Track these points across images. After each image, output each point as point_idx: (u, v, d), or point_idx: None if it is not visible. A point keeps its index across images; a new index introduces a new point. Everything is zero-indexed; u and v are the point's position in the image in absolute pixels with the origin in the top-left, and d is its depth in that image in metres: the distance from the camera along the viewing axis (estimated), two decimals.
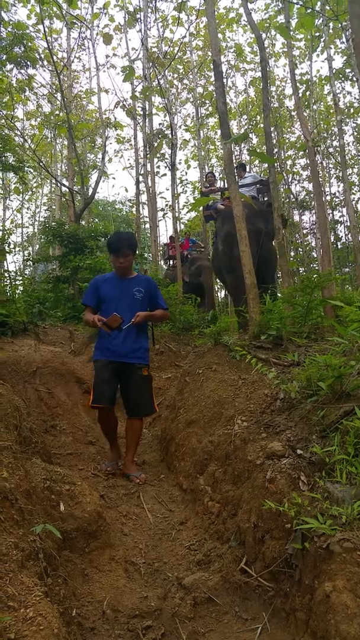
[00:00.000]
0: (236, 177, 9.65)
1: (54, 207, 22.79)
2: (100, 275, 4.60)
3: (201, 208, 10.23)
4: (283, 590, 2.24)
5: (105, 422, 4.20)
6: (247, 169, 10.50)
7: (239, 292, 7.57)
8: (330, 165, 23.09)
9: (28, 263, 16.75)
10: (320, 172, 20.77)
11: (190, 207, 20.85)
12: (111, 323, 3.97)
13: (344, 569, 1.84)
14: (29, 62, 11.98)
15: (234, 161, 7.26)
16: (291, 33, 9.03)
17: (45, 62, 14.06)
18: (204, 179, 12.32)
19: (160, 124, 15.58)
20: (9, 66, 12.13)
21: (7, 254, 9.99)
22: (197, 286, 11.70)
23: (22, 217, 27.05)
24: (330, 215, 22.93)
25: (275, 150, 17.24)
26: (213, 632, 2.27)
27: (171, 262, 13.30)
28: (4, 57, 10.85)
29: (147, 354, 4.32)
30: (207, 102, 17.88)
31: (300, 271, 20.76)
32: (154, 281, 4.62)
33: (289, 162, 21.49)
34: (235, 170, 5.43)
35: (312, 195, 20.14)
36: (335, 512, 2.06)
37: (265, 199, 8.91)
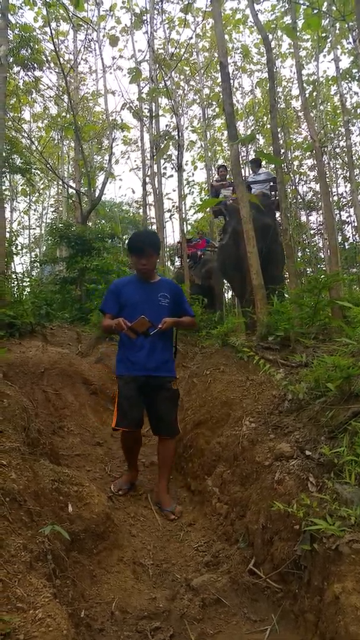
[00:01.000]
0: (250, 172, 9.69)
1: (60, 208, 22.86)
2: (119, 279, 4.16)
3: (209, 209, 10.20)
4: (292, 592, 2.24)
5: (129, 444, 3.82)
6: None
7: (243, 291, 7.55)
8: (337, 166, 23.02)
9: (35, 264, 16.79)
10: (327, 172, 20.71)
11: (197, 208, 20.86)
12: (138, 327, 3.45)
13: (353, 570, 1.83)
14: (35, 64, 12.05)
15: (242, 162, 7.26)
16: (298, 34, 9.02)
17: (52, 64, 14.13)
18: (217, 172, 12.23)
19: (166, 125, 15.65)
20: (15, 68, 12.18)
21: (15, 256, 10.03)
22: (208, 289, 11.61)
23: (29, 219, 27.22)
24: (338, 215, 22.86)
25: (282, 151, 17.23)
26: (222, 634, 2.26)
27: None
28: (11, 59, 10.89)
29: (174, 365, 3.94)
30: (213, 103, 17.92)
31: (308, 272, 20.71)
32: (178, 286, 4.23)
33: (296, 163, 21.48)
34: (239, 172, 5.40)
35: (319, 195, 20.10)
36: (344, 513, 2.05)
37: (277, 197, 8.87)
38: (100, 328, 3.97)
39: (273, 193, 9.05)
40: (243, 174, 6.21)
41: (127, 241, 3.87)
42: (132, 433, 3.69)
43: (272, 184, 9.05)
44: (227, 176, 10.65)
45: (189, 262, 12.50)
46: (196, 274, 11.78)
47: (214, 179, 12.36)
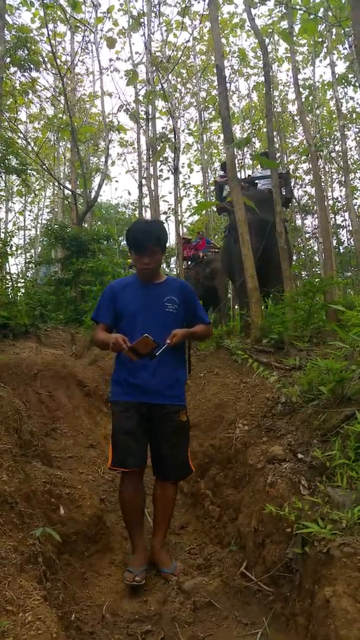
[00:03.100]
0: (258, 168, 9.69)
1: (56, 209, 22.82)
2: (116, 281, 3.34)
3: (209, 208, 10.19)
4: (283, 595, 2.23)
5: (129, 493, 2.98)
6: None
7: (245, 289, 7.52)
8: (333, 170, 23.06)
9: (30, 265, 16.76)
10: (323, 176, 20.76)
11: (193, 211, 20.88)
12: (141, 348, 2.74)
13: (344, 574, 1.83)
14: (32, 65, 11.99)
15: (237, 165, 7.27)
16: (294, 38, 9.05)
17: (49, 65, 14.11)
18: (221, 167, 12.21)
19: (163, 127, 15.64)
20: (12, 69, 12.15)
21: (10, 257, 10.01)
22: (211, 290, 11.50)
23: (24, 220, 27.09)
24: (333, 219, 22.91)
25: (278, 154, 17.27)
26: (213, 637, 2.25)
27: (186, 263, 12.91)
28: (8, 59, 10.87)
29: (184, 389, 3.15)
30: (210, 106, 17.94)
31: (303, 275, 20.76)
32: (190, 286, 3.40)
33: (292, 167, 21.50)
34: (235, 175, 5.40)
35: (314, 199, 20.14)
36: (335, 517, 2.05)
37: (284, 193, 8.82)
38: (93, 340, 3.24)
39: (282, 189, 8.99)
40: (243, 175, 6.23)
41: (126, 234, 3.11)
42: (133, 475, 2.96)
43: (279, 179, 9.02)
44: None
45: (191, 264, 12.46)
46: (199, 273, 11.69)
47: (218, 174, 12.34)
